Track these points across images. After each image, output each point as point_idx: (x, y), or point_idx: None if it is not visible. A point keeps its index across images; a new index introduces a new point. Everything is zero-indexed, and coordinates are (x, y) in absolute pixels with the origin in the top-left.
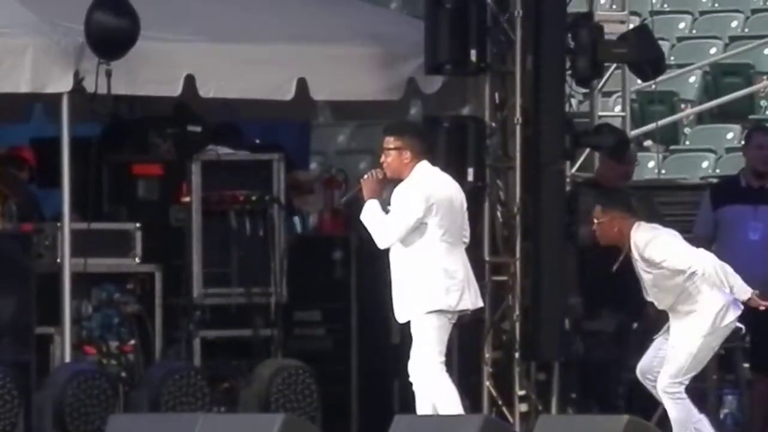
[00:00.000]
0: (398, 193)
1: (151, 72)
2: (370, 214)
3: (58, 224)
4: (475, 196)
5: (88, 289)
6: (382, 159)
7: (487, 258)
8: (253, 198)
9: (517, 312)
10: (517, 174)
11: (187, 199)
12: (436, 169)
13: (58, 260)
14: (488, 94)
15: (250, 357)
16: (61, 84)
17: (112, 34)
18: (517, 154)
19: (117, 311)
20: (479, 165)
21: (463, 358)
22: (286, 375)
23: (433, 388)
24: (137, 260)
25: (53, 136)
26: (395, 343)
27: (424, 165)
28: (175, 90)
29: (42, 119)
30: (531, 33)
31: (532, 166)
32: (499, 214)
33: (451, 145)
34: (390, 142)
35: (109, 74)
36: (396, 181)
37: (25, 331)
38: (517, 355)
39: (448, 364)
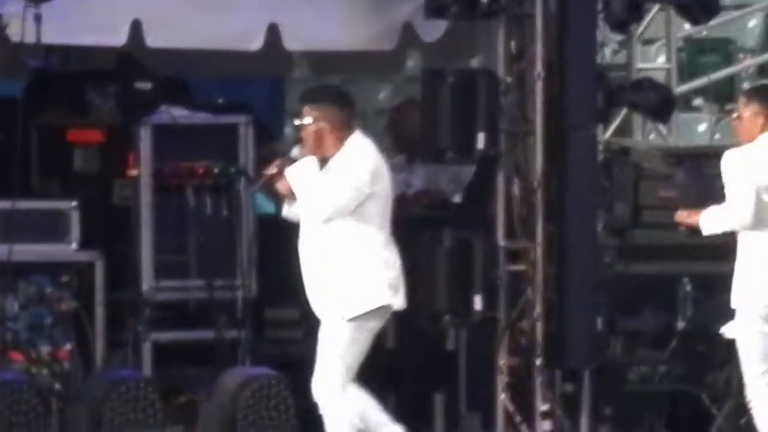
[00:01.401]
0: (337, 164)
1: (89, 17)
2: (304, 174)
3: None
4: (486, 168)
5: (14, 283)
6: (300, 134)
7: (501, 243)
8: (216, 170)
9: (539, 309)
10: (538, 140)
11: (134, 172)
12: (370, 143)
13: None
14: (502, 42)
15: (212, 364)
16: None
17: None
18: (538, 116)
19: (49, 309)
20: (491, 129)
21: (472, 365)
22: (255, 386)
23: (333, 410)
24: (74, 246)
25: None
26: (389, 347)
27: (358, 138)
28: (119, 39)
29: None
30: None
31: (557, 131)
32: (515, 189)
33: (456, 104)
34: (306, 112)
35: (38, 19)
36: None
37: None
38: (538, 361)
39: (454, 373)
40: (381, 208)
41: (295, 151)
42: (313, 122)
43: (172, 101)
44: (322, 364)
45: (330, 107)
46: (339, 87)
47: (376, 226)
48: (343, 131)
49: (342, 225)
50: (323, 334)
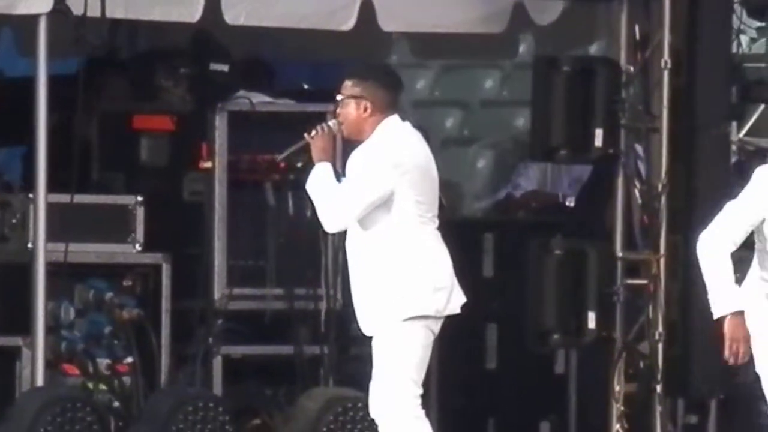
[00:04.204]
0: (357, 158)
1: None
2: (319, 182)
3: (30, 196)
4: (604, 169)
5: (70, 286)
6: (338, 110)
7: (619, 254)
8: (298, 164)
9: (660, 329)
10: (664, 138)
11: (207, 164)
12: (407, 126)
13: (29, 245)
14: (625, 27)
15: (290, 383)
16: (38, 3)
17: None
18: (664, 112)
19: (108, 317)
20: (611, 125)
21: (583, 391)
22: (339, 409)
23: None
24: (138, 247)
25: (24, 76)
26: (491, 368)
27: (393, 121)
28: (193, 14)
29: (9, 51)
30: None
31: (685, 129)
32: (637, 193)
33: (572, 96)
34: (347, 87)
35: None
36: (354, 142)
37: None
38: (658, 388)
39: (562, 399)
40: (417, 194)
41: (332, 123)
42: (355, 99)
43: (251, 86)
44: (385, 378)
45: (376, 86)
46: (389, 67)
47: (414, 216)
48: (384, 114)
49: (373, 220)
50: (380, 346)
